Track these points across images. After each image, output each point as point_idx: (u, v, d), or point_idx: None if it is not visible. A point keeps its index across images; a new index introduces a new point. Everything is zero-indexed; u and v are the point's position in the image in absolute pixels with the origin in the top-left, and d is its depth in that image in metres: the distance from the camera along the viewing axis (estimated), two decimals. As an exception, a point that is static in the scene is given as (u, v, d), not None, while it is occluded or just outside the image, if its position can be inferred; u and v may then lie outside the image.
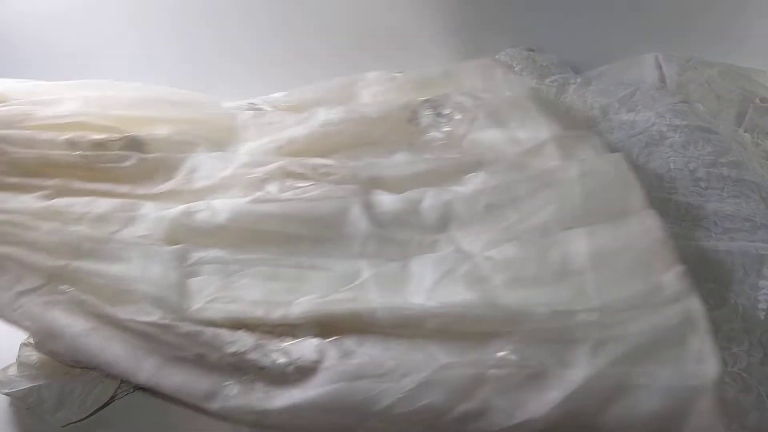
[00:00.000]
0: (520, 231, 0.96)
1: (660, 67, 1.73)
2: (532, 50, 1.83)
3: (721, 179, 1.13)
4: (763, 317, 0.89)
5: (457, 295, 0.86)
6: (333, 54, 1.81)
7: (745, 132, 1.45)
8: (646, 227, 0.93)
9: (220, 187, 1.05)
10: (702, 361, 0.78)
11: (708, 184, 1.13)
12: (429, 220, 1.00)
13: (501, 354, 0.78)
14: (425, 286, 0.89)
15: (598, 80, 1.74)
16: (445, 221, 1.00)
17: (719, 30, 1.79)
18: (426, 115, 1.23)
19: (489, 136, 1.17)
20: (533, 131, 1.15)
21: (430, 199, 1.03)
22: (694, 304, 0.82)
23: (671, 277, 0.85)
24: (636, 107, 1.47)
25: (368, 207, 1.01)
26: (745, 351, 0.86)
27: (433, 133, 1.21)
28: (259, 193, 1.03)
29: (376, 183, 1.08)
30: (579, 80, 1.71)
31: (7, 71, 1.59)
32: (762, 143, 1.43)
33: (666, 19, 1.81)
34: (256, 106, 1.32)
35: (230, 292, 0.89)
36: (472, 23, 1.84)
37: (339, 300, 0.87)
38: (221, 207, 0.99)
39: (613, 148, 1.18)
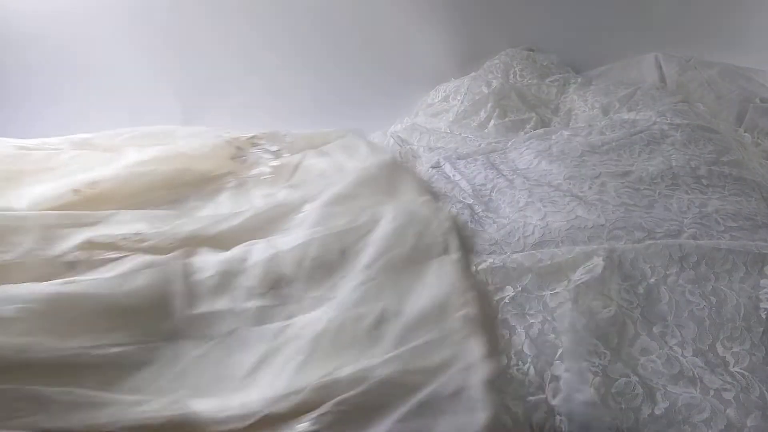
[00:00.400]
0: (341, 287, 0.93)
1: (660, 67, 1.74)
2: (532, 50, 1.83)
3: (723, 177, 1.13)
4: (764, 316, 0.89)
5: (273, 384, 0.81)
6: (334, 55, 1.83)
7: (745, 131, 1.45)
8: (443, 271, 0.94)
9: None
10: (473, 411, 0.77)
11: (709, 181, 1.13)
12: (256, 280, 0.94)
13: (300, 426, 0.75)
14: (243, 374, 0.83)
15: (599, 80, 1.75)
16: (272, 281, 0.94)
17: (719, 29, 1.79)
18: (253, 152, 1.22)
19: (318, 163, 1.19)
20: (359, 161, 1.19)
21: (257, 255, 0.97)
22: (473, 352, 0.82)
23: (456, 323, 0.86)
24: (637, 106, 1.47)
25: (187, 277, 0.93)
26: (747, 350, 0.86)
27: (261, 169, 1.19)
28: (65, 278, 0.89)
29: (199, 240, 0.99)
30: (579, 80, 1.72)
31: (6, 69, 1.60)
32: (762, 142, 1.42)
33: (667, 19, 1.81)
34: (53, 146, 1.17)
35: None
36: (473, 23, 1.84)
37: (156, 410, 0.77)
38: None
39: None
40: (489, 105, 1.56)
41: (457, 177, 1.23)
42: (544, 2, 1.83)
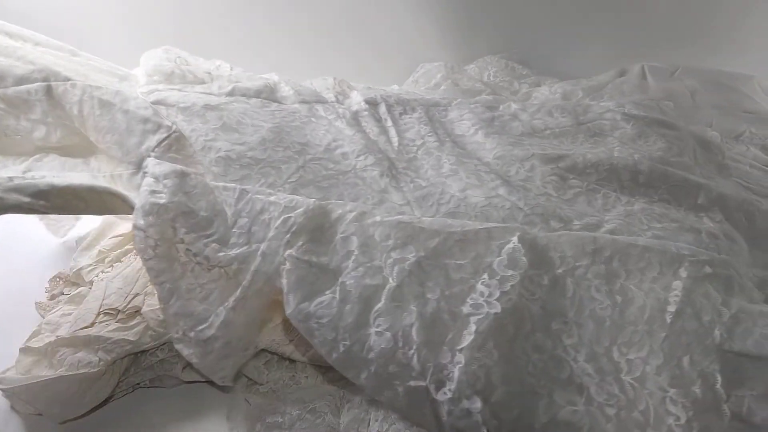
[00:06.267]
0: None
1: (645, 77, 1.64)
2: (511, 59, 1.74)
3: (664, 177, 1.04)
4: (669, 320, 0.81)
5: None
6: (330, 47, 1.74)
7: (733, 140, 1.38)
8: None
9: None
10: None
11: (647, 179, 1.04)
12: None
13: None
14: None
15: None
16: None
17: (707, 36, 1.70)
18: None
19: None
20: None
21: None
22: None
23: None
24: (602, 97, 1.39)
25: None
26: (643, 358, 0.79)
27: None
28: None
29: None
30: (556, 81, 1.63)
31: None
32: (748, 150, 1.34)
33: (657, 27, 1.72)
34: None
35: None
36: (466, 30, 1.75)
37: None
38: None
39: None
40: (439, 75, 1.48)
41: (389, 123, 1.13)
42: (536, 12, 1.73)
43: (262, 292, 0.83)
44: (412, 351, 0.76)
